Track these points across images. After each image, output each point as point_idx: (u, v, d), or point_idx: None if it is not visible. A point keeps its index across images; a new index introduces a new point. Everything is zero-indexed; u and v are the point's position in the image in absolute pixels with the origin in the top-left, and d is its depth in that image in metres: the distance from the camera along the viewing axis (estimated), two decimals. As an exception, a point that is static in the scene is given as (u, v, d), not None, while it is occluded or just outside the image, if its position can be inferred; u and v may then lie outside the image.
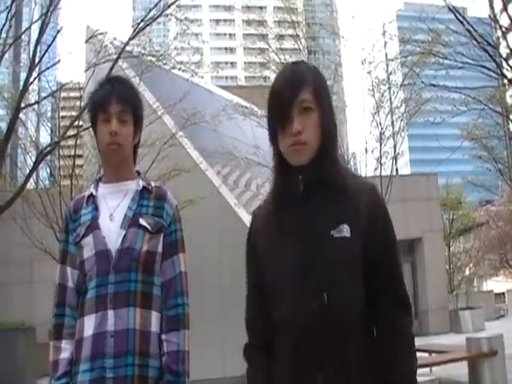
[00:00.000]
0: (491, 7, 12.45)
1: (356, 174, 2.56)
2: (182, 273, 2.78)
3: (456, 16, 11.97)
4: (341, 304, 2.02)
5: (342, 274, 2.03)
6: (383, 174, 17.61)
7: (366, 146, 17.00)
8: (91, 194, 2.81)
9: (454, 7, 12.30)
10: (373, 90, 17.01)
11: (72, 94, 16.64)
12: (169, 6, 12.12)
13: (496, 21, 12.59)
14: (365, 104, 17.51)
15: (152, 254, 2.71)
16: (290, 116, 2.07)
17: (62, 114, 18.82)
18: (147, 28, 12.29)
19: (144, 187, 2.82)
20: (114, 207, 2.75)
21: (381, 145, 17.35)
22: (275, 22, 17.72)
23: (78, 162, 18.29)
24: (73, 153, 14.76)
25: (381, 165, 17.51)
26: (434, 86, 14.46)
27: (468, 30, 11.99)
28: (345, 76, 19.34)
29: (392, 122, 18.25)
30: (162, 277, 2.74)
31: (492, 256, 31.96)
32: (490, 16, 12.44)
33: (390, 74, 17.58)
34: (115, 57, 11.84)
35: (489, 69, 12.72)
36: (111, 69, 11.58)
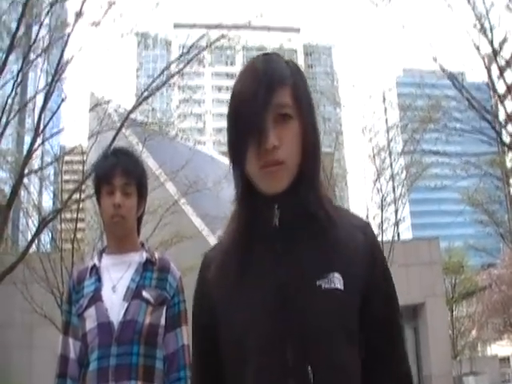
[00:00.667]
0: (489, 75, 12.63)
1: (343, 207, 1.93)
2: (184, 346, 2.72)
3: (455, 84, 12.14)
4: (332, 382, 1.48)
5: (333, 341, 1.50)
6: (385, 239, 17.65)
7: (367, 212, 17.01)
8: (94, 265, 2.81)
9: (452, 75, 12.49)
10: (373, 156, 17.18)
11: (75, 158, 16.81)
12: (172, 76, 12.30)
13: (494, 89, 12.76)
14: (366, 171, 17.64)
15: (155, 327, 2.67)
16: (261, 126, 1.51)
17: (65, 177, 18.94)
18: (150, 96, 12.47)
19: (147, 259, 2.81)
20: (117, 279, 2.74)
21: (382, 211, 17.41)
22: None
23: (80, 225, 18.34)
24: (75, 216, 14.78)
25: (382, 231, 17.55)
26: (434, 152, 14.59)
27: (467, 99, 12.15)
28: (345, 143, 19.50)
29: (393, 188, 18.36)
30: (164, 350, 2.70)
31: (496, 320, 31.60)
32: (487, 84, 12.61)
33: (391, 140, 17.78)
34: (118, 125, 11.99)
35: (488, 135, 12.84)
36: (114, 137, 11.71)
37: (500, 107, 13.20)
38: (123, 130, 12.94)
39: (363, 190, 17.56)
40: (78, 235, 17.84)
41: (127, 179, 2.78)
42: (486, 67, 12.46)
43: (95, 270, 2.79)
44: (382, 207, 17.40)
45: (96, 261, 2.83)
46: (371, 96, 17.36)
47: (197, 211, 15.03)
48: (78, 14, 10.60)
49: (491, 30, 12.02)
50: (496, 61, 12.41)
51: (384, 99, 20.07)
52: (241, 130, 1.55)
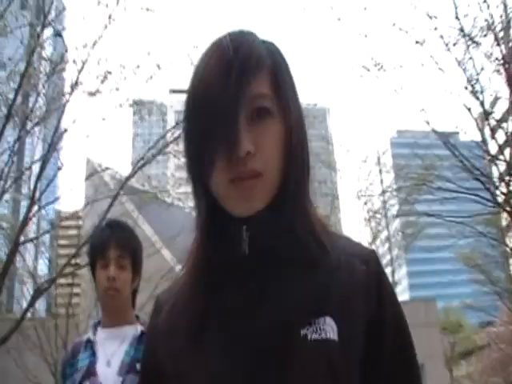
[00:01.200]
0: (482, 136, 12.78)
1: (339, 232, 1.54)
2: None
3: (447, 146, 12.28)
4: None
5: None
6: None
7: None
8: (89, 339, 2.76)
9: (445, 136, 12.64)
10: (369, 219, 17.30)
11: (71, 223, 16.86)
12: (167, 145, 12.39)
13: (487, 150, 12.90)
14: (361, 233, 17.74)
15: None
16: (231, 127, 1.11)
17: (61, 242, 18.91)
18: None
19: (142, 332, 2.72)
20: (111, 353, 2.68)
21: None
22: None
23: (76, 290, 18.23)
24: (70, 281, 14.73)
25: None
26: (428, 215, 14.65)
27: (460, 160, 12.28)
28: (341, 206, 19.66)
29: (390, 249, 18.40)
30: None
31: (496, 379, 31.27)
32: (480, 145, 12.75)
33: (385, 202, 17.90)
34: (115, 193, 12.03)
35: (482, 197, 12.92)
36: (111, 204, 11.73)
37: (493, 167, 13.33)
38: (119, 197, 12.99)
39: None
40: (74, 300, 17.72)
41: (121, 252, 2.76)
42: (479, 128, 12.64)
43: (90, 344, 2.74)
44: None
45: (90, 334, 2.78)
46: (366, 159, 17.59)
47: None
48: (74, 85, 10.74)
49: (482, 92, 12.24)
50: (488, 122, 12.60)
51: (379, 161, 20.31)
52: (203, 133, 1.15)
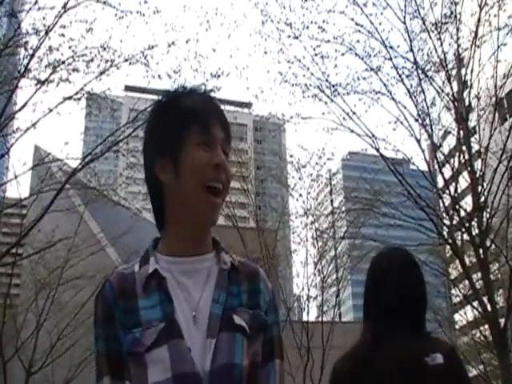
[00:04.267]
0: (428, 168, 13.02)
1: None
2: None
3: (396, 176, 12.47)
4: None
5: None
6: (325, 320, 17.74)
7: (308, 292, 17.14)
8: (156, 270, 1.59)
9: (394, 163, 12.84)
10: (316, 238, 17.46)
11: (14, 211, 16.58)
12: (117, 143, 12.28)
13: (433, 183, 13.14)
14: (308, 252, 17.86)
15: (256, 367, 1.61)
16: None
17: (3, 229, 18.63)
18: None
19: (232, 265, 1.68)
20: (195, 300, 1.58)
21: (323, 293, 17.58)
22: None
23: (16, 281, 17.97)
24: (10, 271, 14.54)
25: (322, 312, 17.66)
26: (374, 240, 14.84)
27: (406, 189, 12.48)
28: (291, 223, 19.72)
29: (336, 270, 18.55)
30: None
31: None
32: (427, 178, 12.97)
33: (334, 223, 18.07)
34: (61, 185, 11.85)
35: (426, 227, 13.13)
36: (56, 196, 11.59)
37: (440, 200, 13.55)
38: (66, 188, 12.81)
39: (305, 270, 17.75)
40: (13, 291, 17.48)
41: (227, 136, 1.70)
42: (426, 161, 12.88)
43: (157, 282, 1.58)
44: (322, 289, 17.57)
45: (153, 264, 1.61)
46: (317, 178, 17.71)
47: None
48: (24, 71, 10.59)
49: (431, 125, 12.50)
50: (436, 155, 12.86)
51: (330, 182, 20.51)
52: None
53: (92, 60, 11.11)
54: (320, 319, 17.65)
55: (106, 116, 14.48)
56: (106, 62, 11.59)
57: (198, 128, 1.62)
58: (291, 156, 18.34)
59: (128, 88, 57.88)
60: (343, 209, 17.55)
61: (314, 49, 12.97)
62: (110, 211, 14.51)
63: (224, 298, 1.60)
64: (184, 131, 1.61)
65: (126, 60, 12.03)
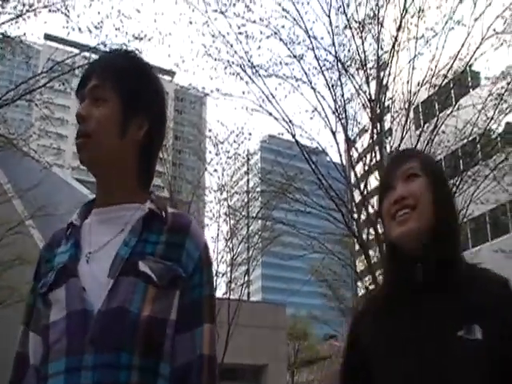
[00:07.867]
0: (341, 162, 13.24)
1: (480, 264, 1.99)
2: (204, 357, 1.60)
3: (309, 164, 12.70)
4: None
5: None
6: (233, 297, 17.99)
7: (217, 268, 17.30)
8: (71, 223, 1.74)
9: (309, 151, 13.05)
10: (229, 215, 17.62)
11: None
12: (30, 92, 11.88)
13: (346, 177, 13.39)
14: (220, 228, 17.99)
15: (159, 323, 1.56)
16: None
17: None
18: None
19: (151, 211, 1.69)
20: (101, 243, 1.64)
21: (231, 270, 17.79)
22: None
23: None
24: None
25: (230, 289, 17.88)
26: (284, 223, 15.11)
27: (319, 179, 12.71)
28: (205, 198, 19.78)
29: (248, 249, 18.79)
30: (172, 361, 1.57)
31: (334, 390, 32.53)
32: (339, 171, 13.20)
33: (248, 202, 18.27)
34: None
35: (335, 218, 13.43)
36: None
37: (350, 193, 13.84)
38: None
39: (215, 246, 17.88)
40: None
41: (101, 80, 1.71)
42: (340, 154, 13.15)
43: (73, 231, 1.72)
44: (231, 266, 17.77)
45: (74, 217, 1.75)
46: (234, 156, 17.85)
47: (44, 236, 14.38)
48: None
49: (347, 120, 12.79)
50: (349, 150, 13.15)
51: (247, 162, 20.68)
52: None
53: (8, 0, 10.71)
54: (227, 296, 17.87)
55: (21, 62, 13.90)
56: (24, 5, 11.27)
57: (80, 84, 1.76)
58: (210, 130, 18.49)
59: (48, 37, 56.06)
60: (258, 189, 17.80)
61: (239, 27, 13.08)
62: (20, 162, 14.03)
63: (134, 243, 1.62)
64: (78, 90, 1.77)
65: (46, 6, 11.73)
